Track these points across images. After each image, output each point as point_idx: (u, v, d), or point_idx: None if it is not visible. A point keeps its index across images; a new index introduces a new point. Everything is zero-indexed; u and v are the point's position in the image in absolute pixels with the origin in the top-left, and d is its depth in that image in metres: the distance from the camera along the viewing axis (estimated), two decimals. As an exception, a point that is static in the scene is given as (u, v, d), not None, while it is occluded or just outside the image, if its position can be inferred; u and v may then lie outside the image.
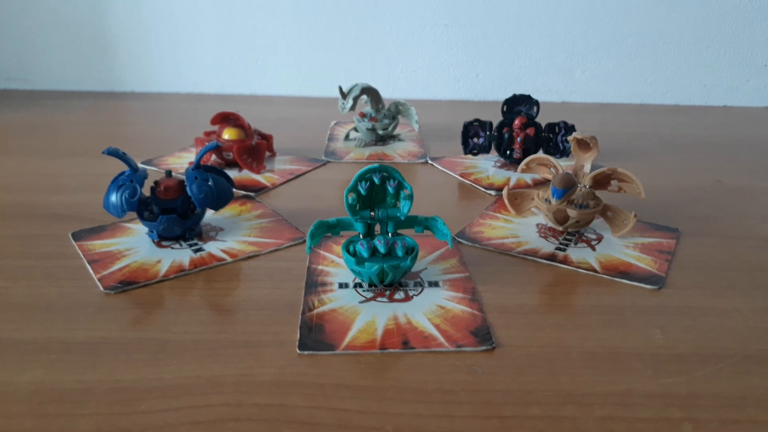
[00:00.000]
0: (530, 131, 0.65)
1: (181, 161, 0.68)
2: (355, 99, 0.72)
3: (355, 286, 0.42)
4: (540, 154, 0.56)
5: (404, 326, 0.37)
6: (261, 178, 0.63)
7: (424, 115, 0.83)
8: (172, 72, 1.06)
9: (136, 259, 0.45)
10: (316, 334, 0.36)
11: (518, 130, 0.65)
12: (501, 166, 0.68)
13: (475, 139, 0.68)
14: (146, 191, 0.48)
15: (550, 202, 0.49)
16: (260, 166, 0.64)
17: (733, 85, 1.03)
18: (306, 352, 0.35)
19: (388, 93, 0.79)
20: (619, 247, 0.49)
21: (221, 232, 0.50)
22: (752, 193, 0.62)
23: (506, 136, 0.66)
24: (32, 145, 0.75)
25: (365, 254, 0.41)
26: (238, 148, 0.63)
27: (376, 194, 0.42)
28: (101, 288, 0.41)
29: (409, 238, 0.43)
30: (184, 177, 0.48)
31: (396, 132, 0.80)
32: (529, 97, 0.67)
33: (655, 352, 0.36)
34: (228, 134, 0.64)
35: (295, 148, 0.73)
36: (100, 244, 0.47)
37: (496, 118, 0.67)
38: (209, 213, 0.53)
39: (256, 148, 0.65)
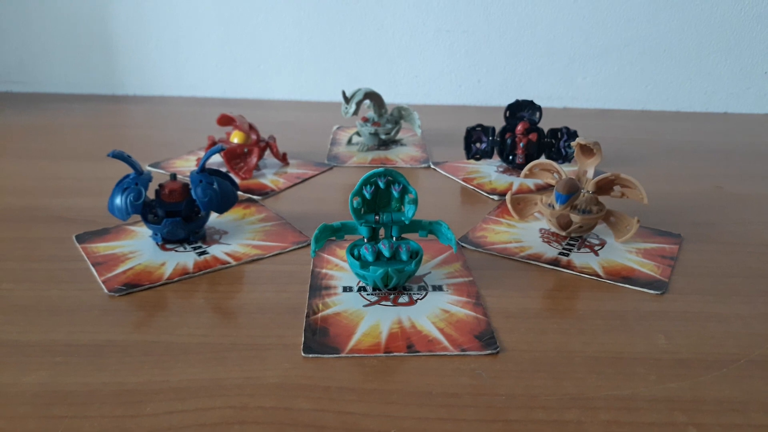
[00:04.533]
0: (533, 137, 0.65)
1: (189, 164, 0.69)
2: (358, 103, 0.72)
3: (360, 289, 0.42)
4: (543, 159, 0.57)
5: (408, 330, 0.37)
6: (267, 182, 0.63)
7: (426, 120, 0.83)
8: (173, 75, 1.06)
9: (140, 261, 0.45)
10: (320, 338, 0.36)
11: (521, 135, 0.66)
12: (504, 171, 0.68)
13: (478, 144, 0.68)
14: (151, 194, 0.48)
15: (553, 207, 0.49)
16: (247, 173, 0.64)
17: (733, 93, 1.03)
18: (310, 355, 0.35)
19: (390, 98, 0.79)
20: (622, 252, 0.49)
21: (225, 236, 0.50)
22: (753, 199, 0.62)
23: (509, 141, 0.66)
24: (34, 148, 0.75)
25: (370, 258, 0.41)
26: (227, 153, 0.63)
27: (381, 198, 0.42)
28: (105, 290, 0.41)
29: (414, 242, 0.43)
30: (188, 180, 0.48)
31: (399, 137, 0.80)
32: (531, 102, 0.67)
33: (659, 356, 0.36)
34: (237, 138, 0.65)
35: (298, 153, 0.73)
36: (104, 247, 0.47)
37: (498, 124, 0.68)
38: (213, 216, 0.53)
39: (246, 155, 0.65)
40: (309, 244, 0.49)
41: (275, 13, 1.02)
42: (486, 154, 0.68)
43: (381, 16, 1.01)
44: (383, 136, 0.75)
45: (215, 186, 0.47)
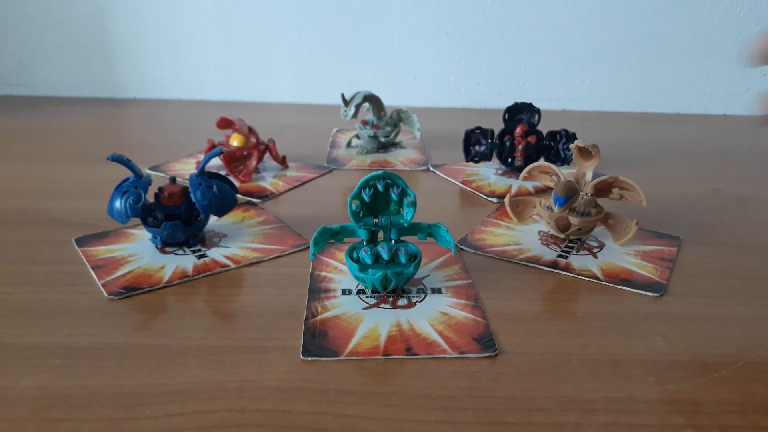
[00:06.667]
0: (531, 139, 0.66)
1: (188, 167, 0.69)
2: (357, 106, 0.72)
3: (359, 292, 0.42)
4: (541, 162, 0.57)
5: (407, 333, 0.37)
6: (266, 185, 0.63)
7: (425, 122, 0.83)
8: (172, 78, 1.07)
9: (139, 264, 0.45)
10: (319, 340, 0.36)
11: (519, 137, 0.66)
12: (502, 174, 0.68)
13: (477, 147, 0.68)
14: (150, 197, 0.48)
15: (552, 209, 0.49)
16: (247, 176, 0.64)
17: (732, 94, 1.03)
18: (309, 358, 0.35)
19: (389, 100, 0.79)
20: (621, 254, 0.49)
21: (224, 239, 0.50)
22: (752, 201, 0.62)
23: (508, 143, 0.67)
24: (34, 151, 0.75)
25: (369, 261, 0.41)
26: (226, 156, 0.63)
27: (380, 201, 0.42)
28: (105, 294, 0.41)
29: (413, 245, 0.43)
30: (188, 183, 0.48)
31: (398, 139, 0.80)
32: (530, 105, 0.67)
33: (657, 358, 0.36)
34: (236, 141, 0.65)
35: (298, 155, 0.73)
36: (103, 250, 0.48)
37: (497, 126, 0.68)
38: (213, 219, 0.53)
39: (246, 158, 0.65)
40: (308, 247, 0.49)
41: (274, 16, 1.02)
42: (485, 157, 0.68)
43: (380, 18, 1.01)
44: (382, 139, 0.76)
45: (214, 189, 0.47)
